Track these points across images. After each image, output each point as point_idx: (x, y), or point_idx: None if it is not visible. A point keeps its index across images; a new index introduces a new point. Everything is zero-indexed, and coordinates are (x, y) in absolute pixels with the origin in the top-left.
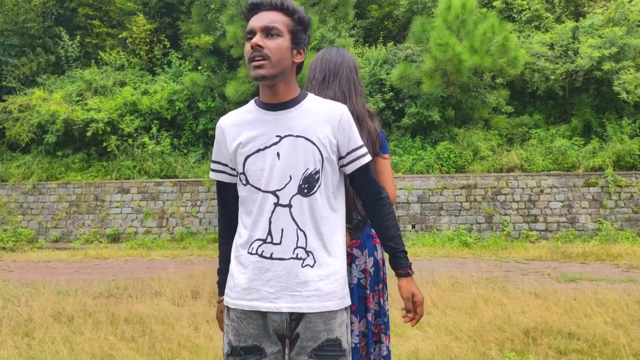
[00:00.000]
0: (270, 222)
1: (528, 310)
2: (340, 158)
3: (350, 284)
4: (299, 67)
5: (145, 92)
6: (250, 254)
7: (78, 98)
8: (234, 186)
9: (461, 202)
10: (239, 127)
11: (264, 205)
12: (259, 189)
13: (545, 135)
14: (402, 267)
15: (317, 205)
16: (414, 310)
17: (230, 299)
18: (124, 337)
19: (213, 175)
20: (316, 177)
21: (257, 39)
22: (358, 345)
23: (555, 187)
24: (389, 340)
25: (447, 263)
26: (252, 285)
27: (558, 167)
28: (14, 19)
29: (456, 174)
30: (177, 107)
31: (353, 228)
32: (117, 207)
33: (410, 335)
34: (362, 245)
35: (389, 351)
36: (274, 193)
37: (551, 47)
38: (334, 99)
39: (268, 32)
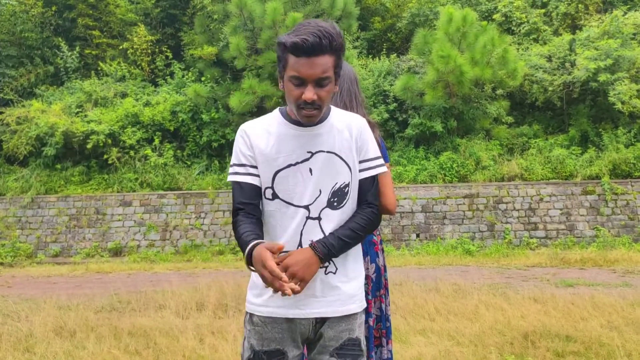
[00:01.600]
0: (301, 235)
1: (527, 315)
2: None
3: None
4: None
5: (147, 104)
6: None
7: (78, 110)
8: (258, 190)
9: (464, 211)
10: (267, 138)
11: (296, 218)
12: (291, 204)
13: (544, 145)
14: (318, 241)
15: (345, 217)
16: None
17: (256, 306)
18: (127, 350)
19: (237, 178)
20: (345, 190)
21: (311, 93)
22: None
23: (554, 195)
24: (391, 344)
25: (450, 271)
26: (279, 294)
27: (557, 175)
28: (12, 29)
29: (459, 183)
30: (180, 119)
31: None
32: (119, 220)
33: (413, 342)
34: (364, 252)
35: (391, 355)
36: (306, 207)
37: (549, 59)
38: None
39: (320, 82)
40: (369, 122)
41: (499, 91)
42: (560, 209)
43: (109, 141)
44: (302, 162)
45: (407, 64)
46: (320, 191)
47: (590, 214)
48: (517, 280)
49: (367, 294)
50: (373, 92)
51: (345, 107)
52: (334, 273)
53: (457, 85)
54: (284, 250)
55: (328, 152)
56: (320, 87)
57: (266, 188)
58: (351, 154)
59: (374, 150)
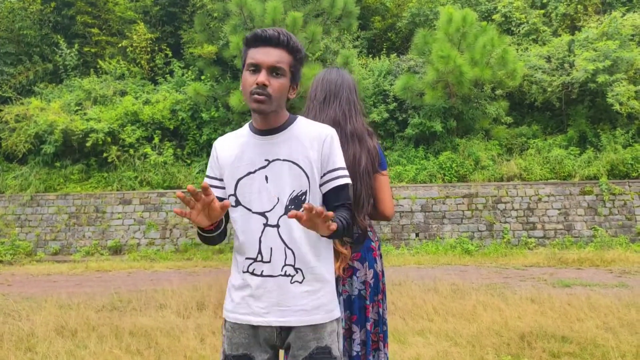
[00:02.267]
0: (260, 242)
1: (524, 315)
2: (320, 177)
3: (351, 295)
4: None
5: (146, 102)
6: (243, 272)
7: (77, 108)
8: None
9: (463, 211)
10: (232, 149)
11: (254, 225)
12: (250, 210)
13: (543, 145)
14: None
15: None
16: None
17: (227, 312)
18: (129, 350)
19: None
20: (302, 198)
21: (264, 77)
22: (359, 353)
23: (552, 195)
24: (387, 348)
25: (449, 270)
26: (245, 301)
27: (555, 176)
28: (10, 26)
29: (458, 183)
30: (180, 117)
31: (353, 242)
32: (119, 218)
33: (411, 342)
34: (363, 258)
35: (387, 358)
36: (263, 214)
37: (548, 59)
38: (335, 118)
39: (274, 70)
40: (367, 131)
41: (499, 91)
42: (559, 209)
43: (109, 139)
44: (259, 169)
45: (407, 63)
46: (277, 199)
47: (588, 214)
48: (515, 280)
49: (365, 299)
50: (373, 92)
51: (344, 116)
52: (300, 283)
53: (456, 86)
54: (250, 257)
55: (284, 160)
56: (273, 77)
57: (230, 195)
58: (309, 163)
59: (340, 160)
